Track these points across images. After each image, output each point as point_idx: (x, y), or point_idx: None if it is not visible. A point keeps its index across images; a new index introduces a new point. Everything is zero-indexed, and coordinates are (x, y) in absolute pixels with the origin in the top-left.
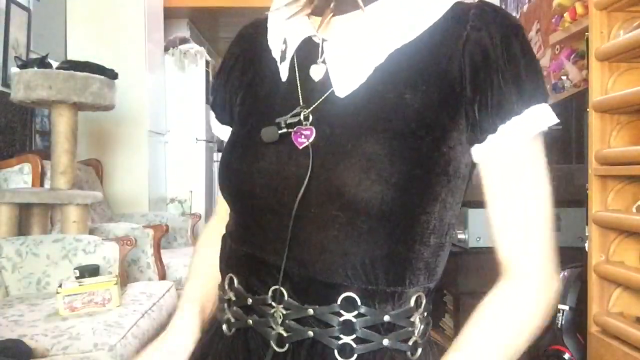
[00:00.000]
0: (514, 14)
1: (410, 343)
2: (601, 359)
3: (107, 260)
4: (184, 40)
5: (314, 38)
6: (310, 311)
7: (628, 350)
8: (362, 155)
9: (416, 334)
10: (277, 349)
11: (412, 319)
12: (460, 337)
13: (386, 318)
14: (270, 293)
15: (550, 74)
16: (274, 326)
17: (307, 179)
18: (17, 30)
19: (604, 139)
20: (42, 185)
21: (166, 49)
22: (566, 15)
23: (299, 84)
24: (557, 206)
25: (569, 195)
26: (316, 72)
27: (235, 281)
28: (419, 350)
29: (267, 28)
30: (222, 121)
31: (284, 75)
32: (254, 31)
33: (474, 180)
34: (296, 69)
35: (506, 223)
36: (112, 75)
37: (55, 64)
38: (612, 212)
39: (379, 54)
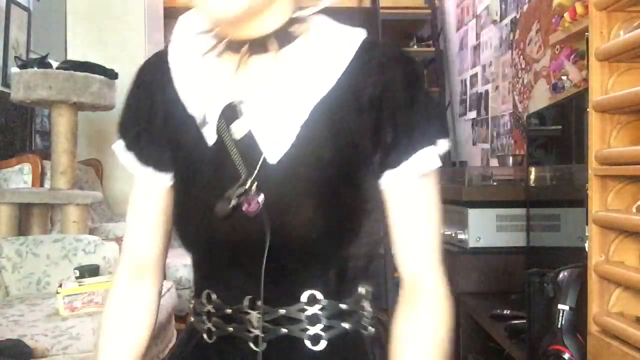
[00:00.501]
0: (513, 14)
1: (364, 323)
2: (601, 359)
3: (107, 260)
4: None
5: (234, 100)
6: (282, 311)
7: (628, 350)
8: (301, 215)
9: (367, 316)
10: (255, 349)
11: (362, 304)
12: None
13: (343, 307)
14: (246, 302)
15: (550, 74)
16: (251, 329)
17: (267, 245)
18: (17, 30)
19: (604, 139)
20: (42, 185)
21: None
22: (566, 15)
23: (230, 150)
24: (557, 206)
25: (569, 195)
26: (238, 131)
27: (213, 296)
28: (371, 329)
29: (169, 70)
30: (144, 162)
31: (210, 139)
32: (159, 73)
33: (473, 180)
34: (222, 131)
35: (406, 245)
36: (112, 75)
37: (55, 64)
38: (612, 212)
39: (302, 111)
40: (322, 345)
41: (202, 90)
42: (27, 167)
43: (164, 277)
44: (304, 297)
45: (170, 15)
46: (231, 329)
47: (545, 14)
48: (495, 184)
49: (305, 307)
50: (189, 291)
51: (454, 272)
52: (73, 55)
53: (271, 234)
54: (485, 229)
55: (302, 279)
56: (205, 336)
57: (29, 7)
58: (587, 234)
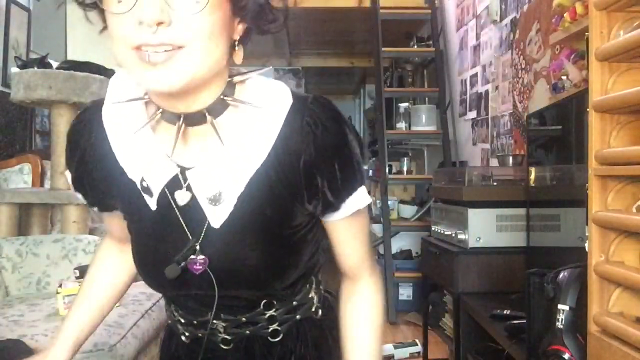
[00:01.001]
0: (513, 14)
1: (313, 309)
2: (601, 359)
3: None
4: None
5: (177, 171)
6: (243, 319)
7: (628, 350)
8: (248, 267)
9: (315, 302)
10: (224, 347)
11: (310, 296)
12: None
13: (294, 303)
14: (210, 316)
15: (550, 74)
16: (218, 334)
17: (216, 300)
18: (17, 30)
19: (604, 139)
20: (42, 185)
21: None
22: (566, 15)
23: (174, 216)
24: (557, 206)
25: (569, 195)
26: (182, 198)
27: (180, 311)
28: (320, 312)
29: (106, 141)
30: (91, 203)
31: (152, 205)
32: (95, 128)
33: (473, 180)
34: (165, 197)
35: (346, 255)
36: (112, 75)
37: (55, 64)
38: (612, 212)
39: (239, 183)
40: (280, 336)
41: (141, 159)
42: (27, 167)
43: None
44: (261, 305)
45: None
46: (200, 334)
47: (545, 14)
48: (495, 184)
49: (264, 312)
50: None
51: (454, 272)
52: (73, 55)
53: (220, 285)
54: (485, 229)
55: (255, 302)
56: (183, 338)
57: (29, 7)
58: (587, 234)
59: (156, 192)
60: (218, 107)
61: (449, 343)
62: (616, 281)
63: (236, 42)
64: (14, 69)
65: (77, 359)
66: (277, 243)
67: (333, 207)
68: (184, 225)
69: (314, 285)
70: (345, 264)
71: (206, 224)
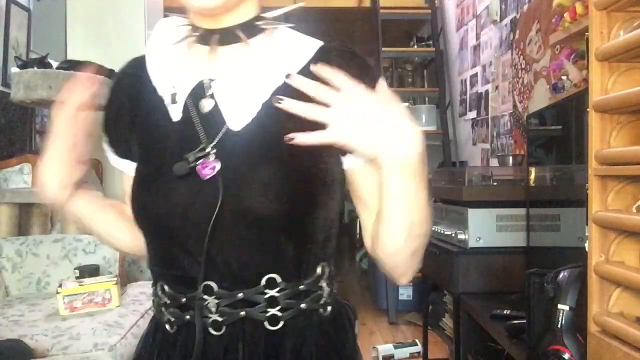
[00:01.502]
0: (513, 14)
1: (322, 302)
2: (601, 359)
3: (107, 260)
4: None
5: (204, 79)
6: (240, 295)
7: (628, 350)
8: (259, 181)
9: (325, 295)
10: (214, 333)
11: (320, 284)
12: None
13: (301, 287)
14: (201, 289)
15: (550, 74)
16: (209, 315)
17: (219, 204)
18: (17, 30)
19: (604, 139)
20: None
21: None
22: (566, 15)
23: (195, 122)
24: (557, 206)
25: (569, 195)
26: (205, 106)
27: (166, 287)
28: (329, 308)
29: (145, 71)
30: (122, 155)
31: (175, 116)
32: (136, 71)
33: (473, 180)
34: (190, 108)
35: (377, 202)
36: (112, 75)
37: (55, 64)
38: (612, 212)
39: (264, 91)
40: (280, 325)
41: (173, 72)
42: (27, 167)
43: None
44: (263, 280)
45: (170, 15)
46: (188, 317)
47: (545, 14)
48: (495, 184)
49: (265, 290)
50: None
51: (454, 272)
52: (73, 55)
53: (226, 201)
54: (485, 229)
55: (260, 260)
56: (167, 327)
57: (29, 7)
58: (587, 234)
59: (182, 98)
60: (249, 28)
61: (449, 343)
62: (616, 281)
63: None
64: (14, 69)
65: (78, 359)
66: (292, 165)
67: None
68: (201, 133)
69: (326, 275)
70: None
71: (223, 128)
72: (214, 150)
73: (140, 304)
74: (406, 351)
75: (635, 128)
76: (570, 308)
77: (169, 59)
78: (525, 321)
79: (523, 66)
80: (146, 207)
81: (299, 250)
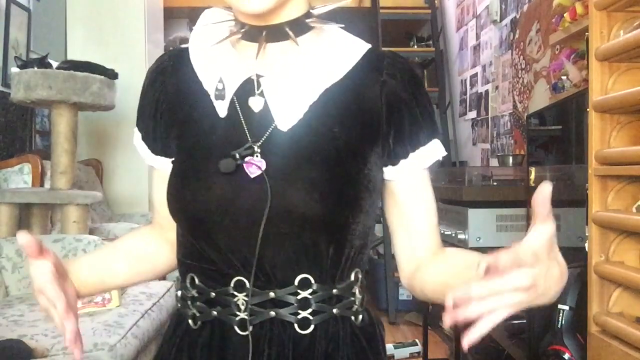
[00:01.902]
0: (513, 14)
1: (354, 310)
2: (601, 359)
3: None
4: (184, 40)
5: (253, 76)
6: (272, 294)
7: (628, 350)
8: (305, 181)
9: (357, 303)
10: (240, 332)
11: (353, 291)
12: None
13: (335, 292)
14: (232, 284)
15: (550, 74)
16: (237, 312)
17: (268, 203)
18: (17, 30)
19: (604, 139)
20: (42, 185)
21: (166, 49)
22: (566, 15)
23: (242, 119)
24: (557, 206)
25: (569, 195)
26: (255, 104)
27: (196, 279)
28: (360, 317)
29: (188, 59)
30: (155, 152)
31: (222, 112)
32: (174, 62)
33: (473, 180)
34: (236, 104)
35: (416, 221)
36: (112, 75)
37: (55, 64)
38: (612, 212)
39: (313, 92)
40: (310, 329)
41: (220, 68)
42: (27, 167)
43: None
44: (296, 280)
45: (170, 15)
46: (215, 312)
47: (545, 14)
48: (495, 184)
49: (298, 290)
50: None
51: None
52: (73, 55)
53: (272, 197)
54: (485, 229)
55: (296, 261)
56: (190, 322)
57: (29, 7)
58: (587, 234)
59: (229, 94)
60: (298, 26)
61: (449, 343)
62: (616, 281)
63: None
64: (14, 69)
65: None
66: (338, 167)
67: (400, 152)
68: (247, 131)
69: (359, 282)
70: (415, 238)
71: (271, 128)
72: (260, 150)
73: (140, 304)
74: (406, 351)
75: (635, 128)
76: (570, 308)
77: (215, 54)
78: (525, 321)
79: (523, 66)
80: (185, 199)
81: (336, 254)
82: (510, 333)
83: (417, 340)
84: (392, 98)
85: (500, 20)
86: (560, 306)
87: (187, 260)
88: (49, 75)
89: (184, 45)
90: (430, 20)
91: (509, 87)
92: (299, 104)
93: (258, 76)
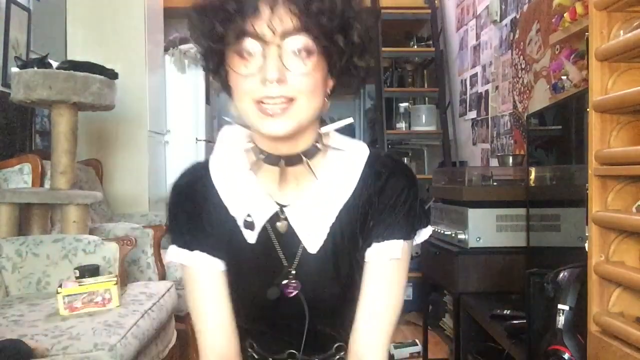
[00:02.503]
0: (513, 14)
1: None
2: (601, 359)
3: (107, 260)
4: (184, 40)
5: (279, 206)
6: (316, 359)
7: (628, 350)
8: (331, 294)
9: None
10: None
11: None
12: None
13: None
14: (286, 355)
15: (550, 74)
16: None
17: (307, 319)
18: (17, 30)
19: (604, 139)
20: (42, 185)
21: (166, 49)
22: (566, 15)
23: (275, 245)
24: (557, 206)
25: (569, 195)
26: (282, 228)
27: (256, 346)
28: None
29: (211, 185)
30: (192, 248)
31: (251, 239)
32: (201, 180)
33: (473, 180)
34: (268, 231)
35: (364, 321)
36: (112, 75)
37: (55, 64)
38: (612, 212)
39: (330, 216)
40: None
41: (245, 196)
42: (27, 167)
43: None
44: (334, 348)
45: (170, 15)
46: None
47: (545, 14)
48: (495, 184)
49: (335, 354)
50: None
51: (454, 272)
52: (73, 55)
53: (307, 308)
54: (485, 229)
55: (331, 335)
56: None
57: (29, 7)
58: (587, 234)
59: (259, 227)
60: (312, 151)
61: (449, 343)
62: (616, 281)
63: (327, 96)
64: (14, 69)
65: (78, 359)
66: (350, 275)
67: (374, 236)
68: (280, 254)
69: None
70: (356, 335)
71: (300, 251)
72: (294, 272)
73: (140, 304)
74: (406, 351)
75: (635, 128)
76: (570, 308)
77: (236, 177)
78: (525, 321)
79: (523, 66)
80: (240, 315)
81: (346, 327)
82: (510, 333)
83: (417, 340)
84: (377, 201)
85: (500, 20)
86: (560, 306)
87: (247, 332)
88: (49, 75)
89: (200, 165)
90: (430, 20)
91: (509, 87)
92: (321, 228)
93: (282, 206)
